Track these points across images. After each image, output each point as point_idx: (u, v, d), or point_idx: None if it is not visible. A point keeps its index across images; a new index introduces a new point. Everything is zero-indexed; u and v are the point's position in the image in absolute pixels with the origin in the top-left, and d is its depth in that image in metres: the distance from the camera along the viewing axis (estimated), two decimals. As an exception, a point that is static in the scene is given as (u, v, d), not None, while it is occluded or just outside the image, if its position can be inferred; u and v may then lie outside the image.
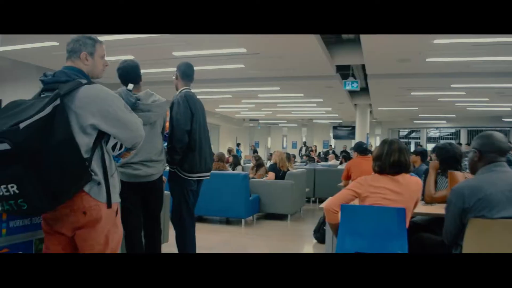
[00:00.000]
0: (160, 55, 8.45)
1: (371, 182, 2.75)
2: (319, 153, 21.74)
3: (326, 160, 15.49)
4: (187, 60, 3.90)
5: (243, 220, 6.89)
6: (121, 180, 2.98)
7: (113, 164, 2.23)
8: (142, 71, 3.36)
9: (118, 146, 2.23)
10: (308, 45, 7.61)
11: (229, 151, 12.33)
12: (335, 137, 25.52)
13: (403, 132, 26.17)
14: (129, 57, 7.64)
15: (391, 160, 2.73)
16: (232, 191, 6.76)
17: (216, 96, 14.29)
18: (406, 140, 25.71)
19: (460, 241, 2.38)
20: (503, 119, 20.15)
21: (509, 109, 16.63)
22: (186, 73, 3.75)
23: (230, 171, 8.02)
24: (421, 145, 22.30)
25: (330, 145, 24.28)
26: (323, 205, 2.86)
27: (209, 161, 3.78)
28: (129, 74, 3.23)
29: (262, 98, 14.71)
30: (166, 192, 3.93)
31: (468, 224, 2.31)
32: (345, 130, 24.79)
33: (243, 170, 8.88)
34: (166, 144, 3.59)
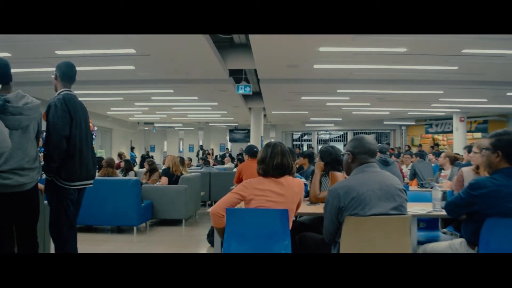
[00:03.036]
0: (42, 53, 7.81)
1: (255, 185, 2.78)
2: (216, 156, 21.83)
3: (222, 163, 15.59)
4: (72, 60, 3.65)
5: (135, 228, 6.66)
6: (-13, 191, 2.71)
7: None
8: (20, 70, 3.08)
9: None
10: (199, 48, 7.56)
11: (120, 155, 11.85)
12: (232, 140, 25.82)
13: (296, 135, 27.28)
14: (4, 54, 7.02)
15: (275, 163, 2.79)
16: (122, 198, 6.50)
17: (106, 98, 13.65)
18: (299, 143, 26.86)
19: (338, 239, 2.51)
20: (384, 122, 21.98)
21: (388, 113, 18.13)
22: (66, 73, 3.49)
23: (120, 177, 7.69)
24: (312, 147, 23.46)
25: (227, 148, 24.51)
26: (209, 209, 2.83)
27: (92, 168, 3.56)
28: (-4, 73, 2.92)
29: (156, 101, 14.34)
30: (46, 202, 3.63)
31: (344, 222, 2.45)
32: (241, 133, 25.20)
33: (136, 175, 8.58)
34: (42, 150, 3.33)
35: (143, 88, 11.67)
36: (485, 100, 13.48)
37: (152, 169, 8.26)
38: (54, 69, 3.52)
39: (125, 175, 8.65)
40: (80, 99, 3.59)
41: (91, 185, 3.58)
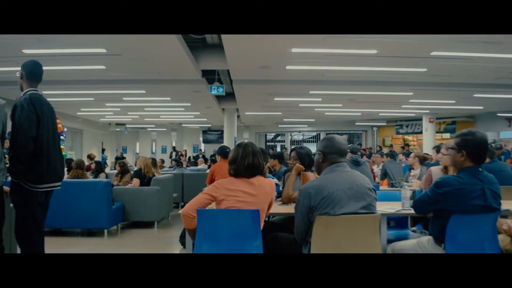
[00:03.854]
0: (8, 52, 7.60)
1: (227, 186, 2.77)
2: (189, 157, 21.69)
3: (196, 164, 15.49)
4: (40, 59, 3.58)
5: (105, 231, 6.55)
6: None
7: None
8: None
9: None
10: (171, 48, 7.48)
11: (90, 157, 11.61)
12: (205, 141, 25.70)
13: (270, 136, 27.36)
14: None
15: (246, 163, 2.79)
16: (92, 200, 6.40)
17: (77, 98, 13.37)
18: (272, 144, 26.96)
19: (309, 238, 2.53)
20: (356, 123, 22.28)
21: (360, 114, 18.38)
22: (32, 72, 3.42)
23: (90, 178, 7.56)
24: (285, 148, 23.57)
25: (200, 149, 24.39)
26: (180, 211, 2.81)
27: (60, 169, 3.48)
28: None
29: (128, 101, 14.11)
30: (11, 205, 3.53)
31: (315, 222, 2.47)
32: (214, 134, 25.11)
33: (107, 177, 8.45)
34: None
35: (114, 88, 11.48)
36: (453, 101, 13.82)
37: (124, 170, 8.15)
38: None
39: (95, 176, 8.51)
40: (49, 99, 3.51)
41: (59, 187, 3.50)
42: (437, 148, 5.60)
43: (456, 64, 8.63)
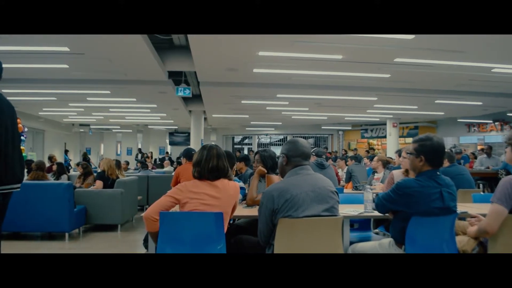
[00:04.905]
0: (-34, 49, 7.33)
1: (191, 188, 2.75)
2: (155, 159, 21.43)
3: (162, 166, 15.32)
4: (-1, 56, 3.45)
5: (67, 234, 6.38)
6: None
7: None
8: None
9: None
10: (136, 48, 7.36)
11: (50, 158, 11.27)
12: (172, 143, 25.47)
13: (237, 139, 27.35)
14: None
15: (210, 166, 2.78)
16: (53, 203, 6.23)
17: (38, 98, 12.97)
18: (240, 146, 26.95)
19: (272, 241, 2.54)
20: (322, 127, 22.56)
21: (326, 118, 18.62)
22: (-9, 70, 3.29)
23: (51, 180, 7.35)
24: (252, 151, 23.63)
25: (167, 152, 24.13)
26: (143, 214, 2.77)
27: (19, 171, 3.36)
28: None
29: (92, 101, 13.80)
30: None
31: (278, 224, 2.48)
32: (181, 136, 24.93)
33: (69, 179, 8.24)
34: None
35: (77, 88, 11.20)
36: (416, 107, 14.20)
37: (87, 172, 7.96)
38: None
39: (57, 178, 8.28)
40: (9, 98, 3.39)
41: (18, 189, 3.38)
42: (399, 152, 5.74)
43: (419, 71, 8.88)
